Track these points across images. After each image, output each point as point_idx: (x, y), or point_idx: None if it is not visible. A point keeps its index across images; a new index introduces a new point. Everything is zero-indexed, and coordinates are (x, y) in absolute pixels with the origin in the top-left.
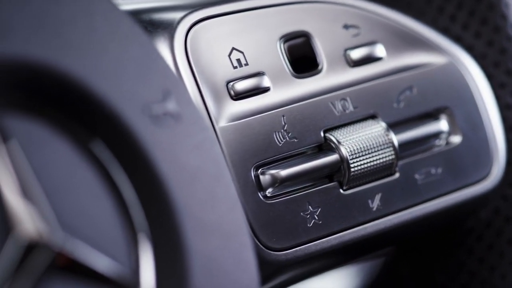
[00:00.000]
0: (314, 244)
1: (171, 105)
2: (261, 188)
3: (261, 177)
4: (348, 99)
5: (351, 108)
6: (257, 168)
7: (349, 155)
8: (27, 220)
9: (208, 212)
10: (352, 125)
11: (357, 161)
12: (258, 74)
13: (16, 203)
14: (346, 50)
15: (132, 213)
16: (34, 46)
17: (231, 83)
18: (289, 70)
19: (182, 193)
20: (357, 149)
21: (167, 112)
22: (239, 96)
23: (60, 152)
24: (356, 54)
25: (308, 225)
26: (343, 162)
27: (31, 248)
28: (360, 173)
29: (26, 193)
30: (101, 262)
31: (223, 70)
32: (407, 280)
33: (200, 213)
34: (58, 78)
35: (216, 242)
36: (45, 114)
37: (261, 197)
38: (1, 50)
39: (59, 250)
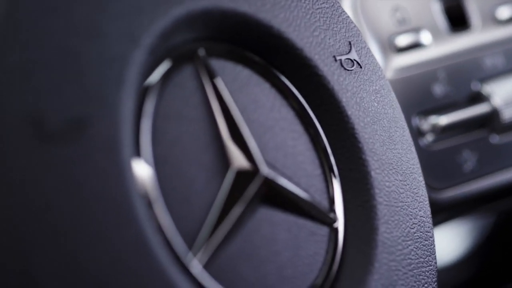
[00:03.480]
0: (469, 187)
1: (354, 55)
2: (421, 135)
3: (421, 125)
4: (499, 54)
5: (502, 61)
6: (417, 117)
7: (502, 105)
8: (240, 156)
9: (388, 152)
10: (503, 77)
11: (509, 110)
12: (419, 29)
13: (230, 141)
14: (496, 8)
15: (324, 151)
16: (241, 3)
17: (395, 38)
18: (446, 27)
19: (366, 133)
20: (509, 98)
21: (352, 61)
22: (401, 50)
23: (261, 94)
24: (506, 12)
25: (464, 170)
26: (496, 111)
27: (244, 178)
28: None
29: (235, 130)
30: (300, 194)
31: (388, 25)
32: None
33: (382, 152)
34: (262, 29)
35: (396, 178)
36: (250, 61)
37: (421, 143)
38: (214, 5)
39: (266, 180)
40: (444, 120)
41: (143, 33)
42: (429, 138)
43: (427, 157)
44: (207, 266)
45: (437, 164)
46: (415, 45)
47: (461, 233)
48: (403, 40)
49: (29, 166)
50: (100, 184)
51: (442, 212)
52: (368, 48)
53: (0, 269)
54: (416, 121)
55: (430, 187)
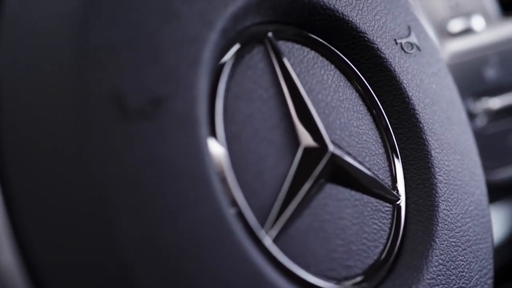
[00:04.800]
0: None
1: (413, 39)
2: (473, 117)
3: (473, 108)
4: None
5: None
6: (470, 100)
7: None
8: (308, 134)
9: (446, 132)
10: None
11: None
12: (471, 14)
13: (298, 120)
14: None
15: (386, 131)
16: None
17: (448, 23)
18: (498, 12)
19: (426, 114)
20: None
21: (411, 44)
22: (454, 35)
23: (326, 76)
24: None
25: None
26: None
27: (312, 156)
28: None
29: (303, 110)
30: (365, 172)
31: (441, 10)
32: None
33: (441, 132)
34: (327, 13)
35: (455, 158)
36: (316, 44)
37: (473, 125)
38: None
39: (332, 158)
40: (496, 103)
41: (216, 16)
42: (481, 120)
43: (478, 139)
44: (277, 240)
45: (488, 146)
46: (467, 30)
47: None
48: (455, 26)
49: (112, 142)
50: (179, 161)
51: (492, 193)
52: (426, 32)
53: (88, 244)
54: (468, 104)
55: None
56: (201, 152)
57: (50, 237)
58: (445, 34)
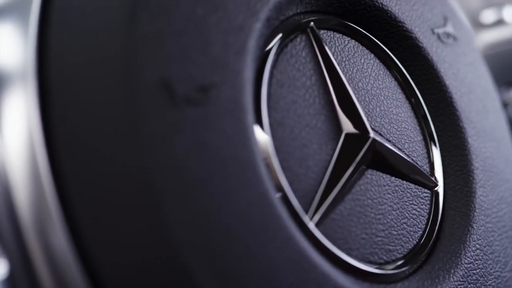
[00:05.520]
0: None
1: (450, 28)
2: (506, 106)
3: (507, 97)
4: None
5: None
6: (503, 89)
7: None
8: (349, 122)
9: (482, 120)
10: None
11: None
12: (502, 6)
13: (340, 108)
14: None
15: (424, 119)
16: None
17: (480, 13)
18: None
19: (463, 102)
20: None
21: (448, 34)
22: (486, 25)
23: (366, 64)
24: None
25: None
26: None
27: (354, 143)
28: None
29: (344, 97)
30: (404, 158)
31: (474, 1)
32: None
33: (477, 120)
34: (367, 4)
35: (490, 145)
36: (356, 33)
37: (507, 113)
38: None
39: (373, 145)
40: None
41: (261, 6)
42: None
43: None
44: (320, 224)
45: None
46: (499, 22)
47: None
48: (488, 17)
49: (162, 129)
50: (227, 147)
51: None
52: (462, 22)
53: (139, 227)
54: (502, 93)
55: None
56: (248, 139)
57: (101, 219)
58: (477, 24)
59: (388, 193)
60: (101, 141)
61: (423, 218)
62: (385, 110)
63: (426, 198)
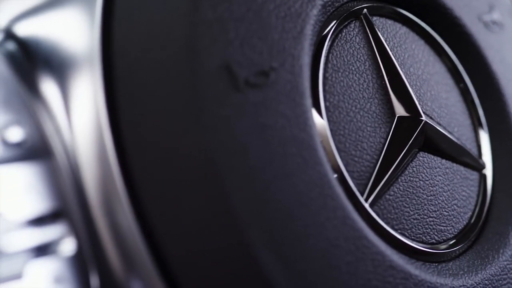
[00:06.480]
0: None
1: (496, 16)
2: None
3: None
4: None
5: None
6: None
7: None
8: (402, 106)
9: None
10: None
11: None
12: None
13: (393, 92)
14: None
15: (472, 104)
16: None
17: None
18: None
19: (509, 88)
20: None
21: (494, 21)
22: None
23: (417, 50)
24: None
25: None
26: None
27: (406, 126)
28: None
29: (397, 82)
30: (454, 141)
31: None
32: None
33: None
34: None
35: None
36: (407, 20)
37: None
38: None
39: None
40: None
41: None
42: None
43: None
44: (375, 205)
45: None
46: None
47: None
48: None
49: (225, 111)
50: (287, 129)
51: None
52: (508, 10)
53: (202, 207)
54: None
55: None
56: (307, 122)
57: (165, 198)
58: None
59: (439, 175)
60: (166, 123)
61: (472, 199)
62: (436, 94)
63: (475, 181)
